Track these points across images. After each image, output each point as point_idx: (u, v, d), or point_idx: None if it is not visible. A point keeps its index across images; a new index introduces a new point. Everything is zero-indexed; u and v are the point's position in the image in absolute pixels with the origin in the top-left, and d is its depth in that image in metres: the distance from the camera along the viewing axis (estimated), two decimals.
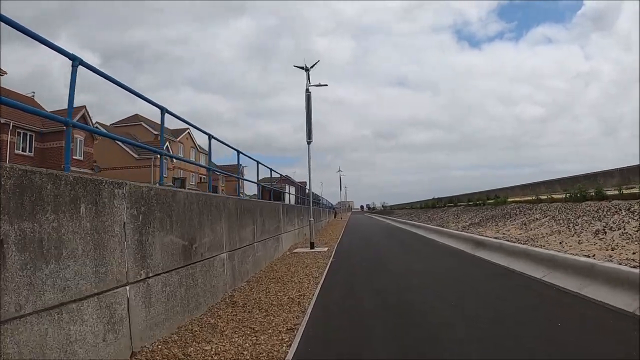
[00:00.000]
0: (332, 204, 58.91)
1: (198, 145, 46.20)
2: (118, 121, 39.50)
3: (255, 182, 11.33)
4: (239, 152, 8.94)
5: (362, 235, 18.64)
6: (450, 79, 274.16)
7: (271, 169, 12.97)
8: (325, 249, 12.31)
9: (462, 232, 13.18)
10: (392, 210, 68.15)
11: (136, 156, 31.60)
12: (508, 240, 9.38)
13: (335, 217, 50.94)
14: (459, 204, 26.27)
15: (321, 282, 6.80)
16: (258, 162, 10.76)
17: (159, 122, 5.44)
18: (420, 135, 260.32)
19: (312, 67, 14.49)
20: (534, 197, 15.43)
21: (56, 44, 3.26)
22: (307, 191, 11.04)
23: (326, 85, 15.09)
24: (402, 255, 10.61)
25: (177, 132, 40.65)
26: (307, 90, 14.09)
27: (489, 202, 20.26)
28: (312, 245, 12.41)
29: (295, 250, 11.98)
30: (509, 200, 18.23)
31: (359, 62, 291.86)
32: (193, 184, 42.31)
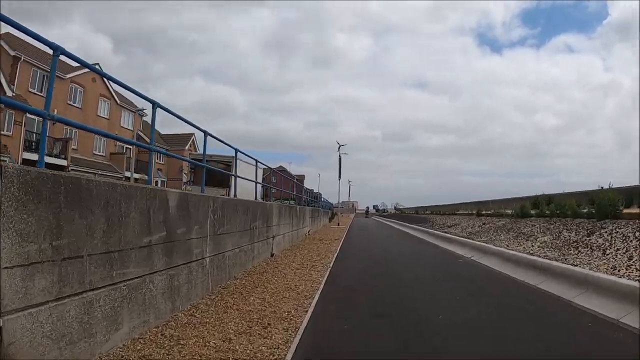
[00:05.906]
0: (331, 204, 50.13)
1: (115, 94, 29.52)
2: None
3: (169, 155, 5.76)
4: (205, 133, 6.85)
5: None
6: (470, 83, 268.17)
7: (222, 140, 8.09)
8: None
9: None
10: (420, 215, 37.97)
11: None
12: None
13: (331, 220, 37.36)
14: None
15: None
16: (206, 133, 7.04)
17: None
18: (433, 139, 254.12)
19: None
20: None
21: None
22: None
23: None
24: None
25: (72, 69, 23.59)
26: None
27: None
28: None
29: None
30: None
31: (377, 61, 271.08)
32: (101, 153, 29.18)
